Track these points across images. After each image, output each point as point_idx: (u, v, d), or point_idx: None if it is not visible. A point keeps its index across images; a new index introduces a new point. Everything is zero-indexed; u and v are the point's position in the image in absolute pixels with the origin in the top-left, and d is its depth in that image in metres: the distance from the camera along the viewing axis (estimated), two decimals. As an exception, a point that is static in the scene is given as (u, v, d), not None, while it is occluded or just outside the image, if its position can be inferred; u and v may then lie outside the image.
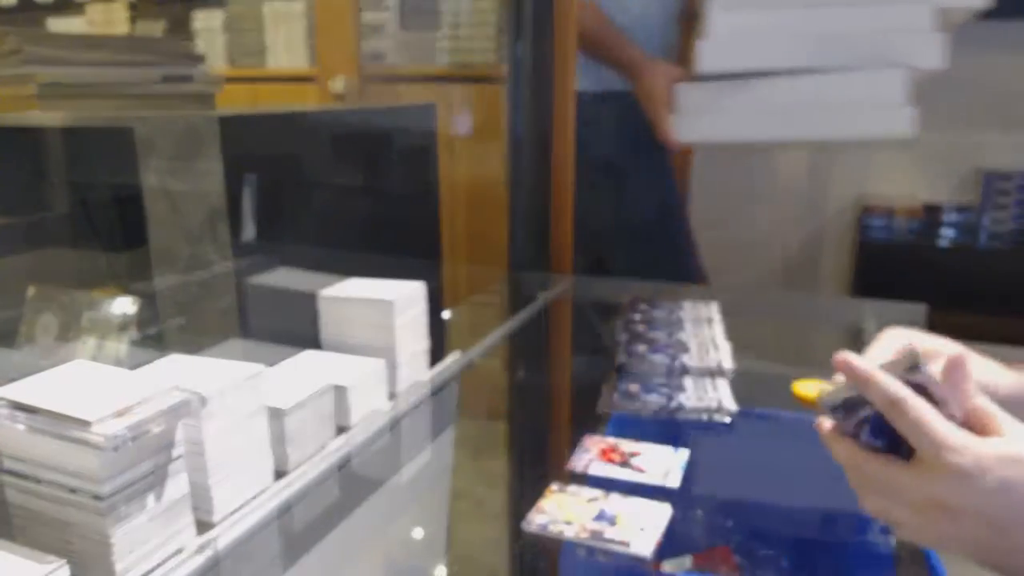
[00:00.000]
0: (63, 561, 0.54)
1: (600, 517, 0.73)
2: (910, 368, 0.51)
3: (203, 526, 0.68)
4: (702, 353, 1.10)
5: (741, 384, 1.03)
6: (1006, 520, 0.47)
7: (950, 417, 0.50)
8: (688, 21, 1.58)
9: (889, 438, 0.52)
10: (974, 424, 0.50)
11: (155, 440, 0.61)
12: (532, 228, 1.74)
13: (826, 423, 0.56)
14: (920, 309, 1.25)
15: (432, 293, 1.02)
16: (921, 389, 0.51)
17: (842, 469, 0.56)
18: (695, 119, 1.32)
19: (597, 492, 0.78)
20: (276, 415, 0.77)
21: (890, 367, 0.52)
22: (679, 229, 1.68)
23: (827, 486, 0.86)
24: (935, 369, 0.53)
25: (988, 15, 1.78)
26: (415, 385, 1.01)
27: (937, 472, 0.48)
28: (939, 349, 0.60)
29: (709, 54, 1.24)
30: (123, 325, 0.88)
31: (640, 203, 1.60)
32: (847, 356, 0.52)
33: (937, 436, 0.48)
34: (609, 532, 0.71)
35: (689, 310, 1.31)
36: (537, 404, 1.17)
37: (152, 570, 0.62)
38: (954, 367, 0.52)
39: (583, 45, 1.49)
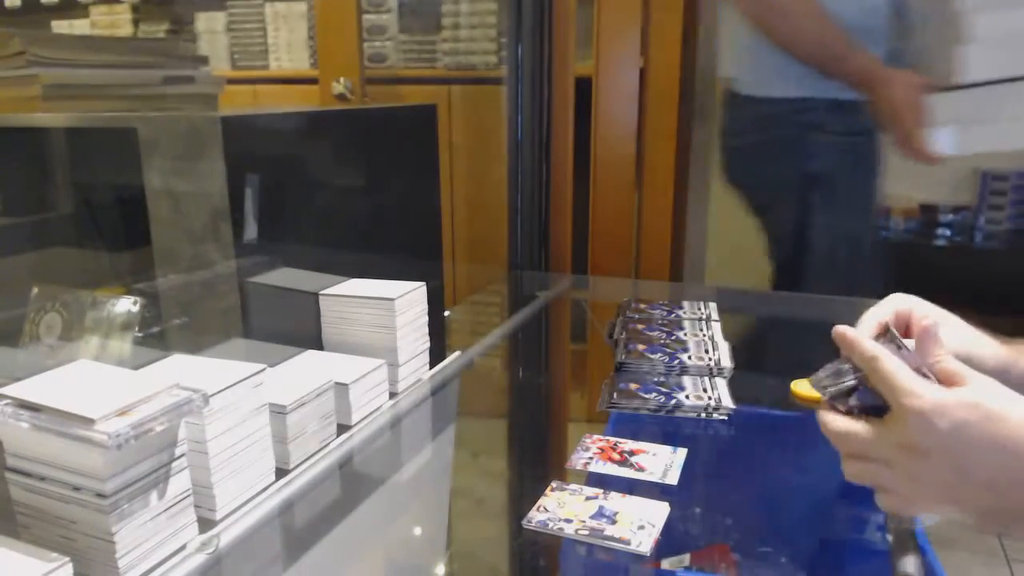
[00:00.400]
0: (66, 559, 0.54)
1: (599, 515, 0.74)
2: (889, 340, 0.58)
3: (205, 524, 0.69)
4: (700, 352, 1.10)
5: (739, 383, 1.03)
6: (964, 458, 0.52)
7: (924, 378, 0.55)
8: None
9: (873, 411, 0.57)
10: (944, 382, 0.55)
11: (158, 439, 0.61)
12: (532, 228, 1.75)
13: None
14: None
15: (433, 293, 1.02)
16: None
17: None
18: (960, 131, 1.21)
19: (596, 490, 0.78)
20: (278, 413, 0.78)
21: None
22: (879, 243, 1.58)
23: (824, 485, 0.87)
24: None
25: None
26: (416, 384, 1.02)
27: (902, 417, 0.53)
28: (931, 316, 0.64)
29: (977, 61, 1.12)
30: (126, 325, 0.89)
31: (850, 217, 1.45)
32: (843, 329, 0.59)
33: (901, 384, 0.53)
34: (608, 530, 0.71)
35: (688, 309, 1.31)
36: (537, 403, 1.17)
37: (155, 567, 0.62)
38: (925, 335, 0.57)
39: (800, 53, 1.33)
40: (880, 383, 0.55)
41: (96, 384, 0.63)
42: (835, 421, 0.58)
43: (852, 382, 0.58)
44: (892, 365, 0.55)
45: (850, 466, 0.58)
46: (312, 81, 2.38)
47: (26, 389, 0.62)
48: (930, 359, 0.56)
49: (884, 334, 0.59)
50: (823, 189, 1.40)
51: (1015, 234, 1.97)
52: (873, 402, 0.57)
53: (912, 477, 0.54)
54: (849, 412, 0.58)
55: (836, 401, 0.59)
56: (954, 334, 0.64)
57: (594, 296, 1.73)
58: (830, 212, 1.41)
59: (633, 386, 1.01)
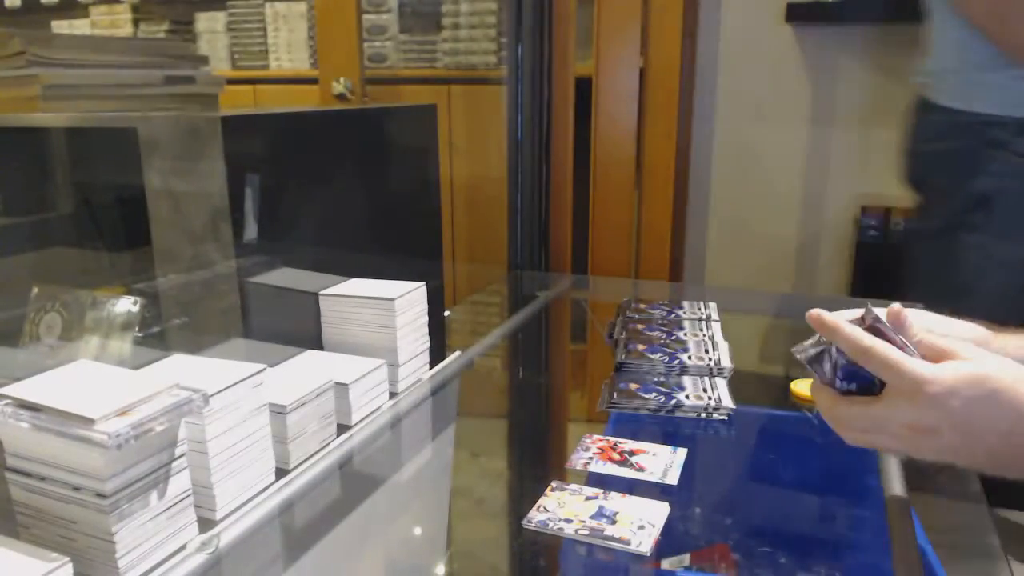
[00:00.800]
0: (66, 559, 0.54)
1: (599, 515, 0.74)
2: (869, 320, 0.60)
3: (205, 524, 0.69)
4: (700, 352, 1.10)
5: (739, 383, 1.04)
6: (975, 427, 0.56)
7: (909, 355, 0.58)
8: None
9: (859, 381, 0.61)
10: (928, 356, 0.59)
11: (158, 438, 0.61)
12: (532, 228, 1.75)
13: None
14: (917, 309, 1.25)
15: (433, 293, 1.03)
16: (880, 335, 0.60)
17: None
18: None
19: (596, 490, 0.78)
20: (278, 413, 0.78)
21: (855, 322, 0.61)
22: None
23: (824, 484, 0.87)
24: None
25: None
26: (416, 384, 1.02)
27: (914, 401, 0.57)
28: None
29: None
30: (126, 325, 0.89)
31: (1006, 244, 1.37)
32: (818, 312, 0.62)
33: (910, 372, 0.57)
34: (608, 530, 0.71)
35: (688, 309, 1.31)
36: (537, 403, 1.17)
37: (155, 567, 0.62)
38: (894, 317, 0.61)
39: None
40: (879, 371, 0.58)
41: (96, 384, 0.63)
42: (834, 403, 0.62)
43: (835, 361, 0.61)
44: (889, 354, 0.57)
45: (852, 437, 0.62)
46: (312, 81, 2.38)
47: (26, 389, 0.62)
48: (908, 336, 0.60)
49: (863, 315, 0.61)
50: (989, 209, 1.37)
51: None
52: (861, 382, 0.61)
53: (918, 448, 0.59)
54: (831, 383, 0.62)
55: (821, 376, 0.63)
56: (919, 319, 0.66)
57: (594, 296, 1.73)
58: (987, 233, 1.37)
59: (633, 386, 1.01)
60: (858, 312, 0.64)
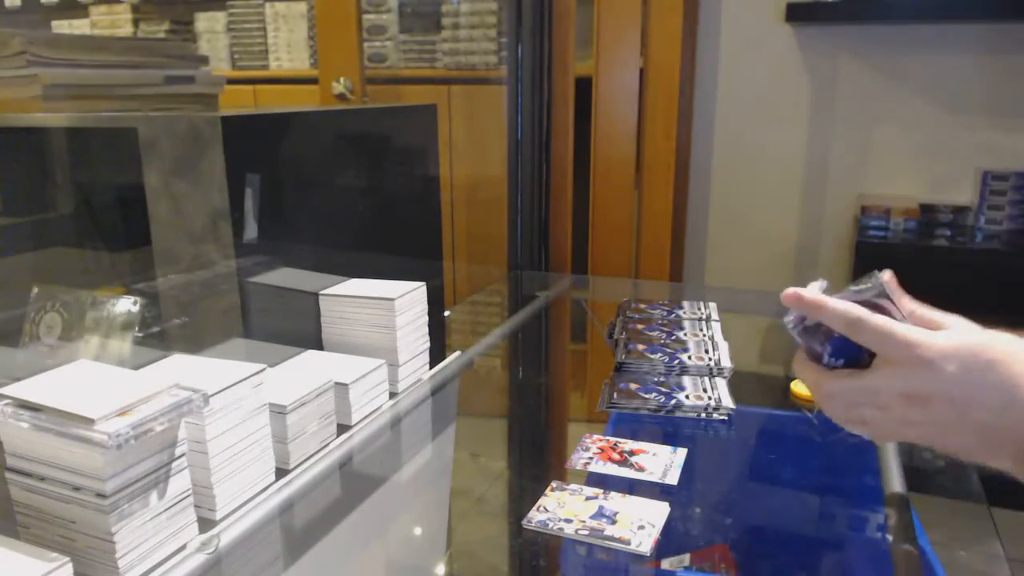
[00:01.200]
0: (66, 559, 0.54)
1: (599, 515, 0.74)
2: (863, 287, 0.59)
3: (205, 523, 0.69)
4: (700, 352, 1.10)
5: (739, 383, 1.03)
6: (965, 398, 0.54)
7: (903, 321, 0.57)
8: None
9: (847, 355, 0.59)
10: (918, 325, 0.57)
11: (158, 438, 0.61)
12: (532, 228, 1.75)
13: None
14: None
15: (433, 293, 1.02)
16: (870, 304, 0.58)
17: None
18: None
19: (596, 490, 0.78)
20: (278, 413, 0.78)
21: (846, 292, 0.60)
22: None
23: (824, 484, 0.87)
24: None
25: (988, 16, 1.78)
26: (416, 384, 1.02)
27: (907, 367, 0.55)
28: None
29: None
30: (126, 325, 0.89)
31: None
32: (796, 290, 0.59)
33: (903, 337, 0.55)
34: (608, 530, 0.71)
35: (688, 309, 1.31)
36: (537, 403, 1.17)
37: (155, 567, 0.62)
38: (889, 283, 0.59)
39: None
40: (870, 341, 0.56)
41: (96, 384, 0.63)
42: (820, 378, 0.60)
43: (824, 333, 0.59)
44: (879, 322, 0.56)
45: (837, 413, 0.60)
46: (312, 81, 2.38)
47: (26, 389, 0.62)
48: (899, 304, 0.58)
49: (862, 281, 0.60)
50: None
51: (1015, 234, 1.97)
52: (849, 356, 0.59)
53: (907, 421, 0.56)
54: (818, 358, 0.60)
55: (809, 350, 0.61)
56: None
57: (594, 296, 1.73)
58: None
59: (633, 386, 1.01)
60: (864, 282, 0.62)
